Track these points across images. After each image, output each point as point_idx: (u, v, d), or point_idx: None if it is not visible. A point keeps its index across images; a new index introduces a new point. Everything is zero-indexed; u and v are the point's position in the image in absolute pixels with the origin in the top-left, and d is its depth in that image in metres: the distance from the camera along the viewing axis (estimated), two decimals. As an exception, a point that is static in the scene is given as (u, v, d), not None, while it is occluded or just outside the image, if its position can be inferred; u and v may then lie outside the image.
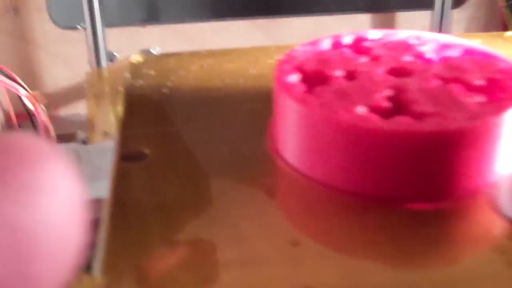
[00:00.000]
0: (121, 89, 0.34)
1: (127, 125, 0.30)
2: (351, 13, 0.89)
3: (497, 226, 0.25)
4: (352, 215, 0.25)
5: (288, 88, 0.27)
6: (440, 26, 0.84)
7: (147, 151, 0.28)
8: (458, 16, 0.90)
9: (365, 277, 0.22)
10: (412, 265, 0.23)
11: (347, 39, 0.32)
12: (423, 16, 0.87)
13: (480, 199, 0.25)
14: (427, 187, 0.25)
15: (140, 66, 0.36)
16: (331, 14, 0.88)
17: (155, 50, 0.60)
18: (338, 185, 0.26)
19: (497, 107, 0.25)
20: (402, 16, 0.91)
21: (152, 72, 0.36)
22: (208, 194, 0.26)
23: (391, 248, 0.24)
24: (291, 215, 0.26)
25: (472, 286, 0.22)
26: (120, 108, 0.32)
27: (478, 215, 0.25)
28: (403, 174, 0.25)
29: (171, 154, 0.29)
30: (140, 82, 0.35)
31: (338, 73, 0.28)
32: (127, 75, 0.35)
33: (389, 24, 0.91)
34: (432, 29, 0.84)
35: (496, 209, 0.25)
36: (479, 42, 0.32)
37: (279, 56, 0.30)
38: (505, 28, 0.86)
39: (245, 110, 0.32)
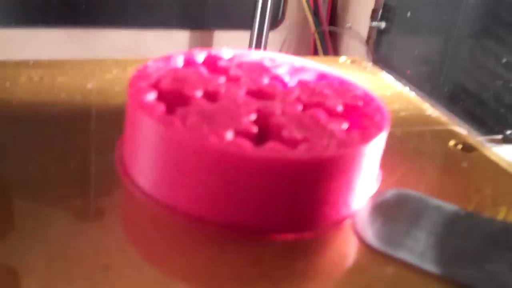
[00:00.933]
0: None
1: None
2: (169, 29, 0.88)
3: (361, 253, 0.24)
4: (216, 248, 0.23)
5: (146, 107, 0.24)
6: (257, 45, 0.86)
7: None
8: (273, 37, 0.93)
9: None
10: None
11: (200, 57, 0.30)
12: (241, 35, 0.89)
13: (345, 228, 0.25)
14: (295, 216, 0.24)
15: None
16: (149, 29, 0.86)
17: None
18: (201, 214, 0.23)
19: (365, 134, 0.25)
20: (221, 35, 0.92)
21: None
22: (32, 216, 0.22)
23: (258, 282, 0.22)
24: (143, 248, 0.23)
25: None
26: None
27: (344, 244, 0.25)
28: (273, 203, 0.23)
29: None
30: None
31: (199, 93, 0.26)
32: None
33: (208, 42, 0.91)
34: (250, 48, 0.86)
35: (358, 236, 0.24)
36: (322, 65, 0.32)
37: (117, 70, 0.27)
38: (315, 51, 0.91)
39: (87, 129, 0.28)
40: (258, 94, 0.27)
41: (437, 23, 0.82)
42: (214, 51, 0.30)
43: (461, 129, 0.36)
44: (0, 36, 0.79)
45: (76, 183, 0.25)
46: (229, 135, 0.23)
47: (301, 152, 0.23)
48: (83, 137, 0.28)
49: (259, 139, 0.24)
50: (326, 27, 0.89)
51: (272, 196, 0.23)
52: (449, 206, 0.26)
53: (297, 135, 0.24)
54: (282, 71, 0.30)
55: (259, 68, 0.30)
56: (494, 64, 0.76)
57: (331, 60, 0.43)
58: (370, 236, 0.24)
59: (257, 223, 0.23)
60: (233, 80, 0.28)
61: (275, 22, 0.92)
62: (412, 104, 0.38)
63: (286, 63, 0.31)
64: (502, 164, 0.33)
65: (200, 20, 0.91)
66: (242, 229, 0.23)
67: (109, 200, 0.25)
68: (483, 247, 0.24)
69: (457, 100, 0.75)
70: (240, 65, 0.29)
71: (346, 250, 0.25)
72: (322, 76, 0.30)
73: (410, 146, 0.33)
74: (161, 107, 0.24)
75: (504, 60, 0.73)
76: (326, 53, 0.88)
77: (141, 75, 0.26)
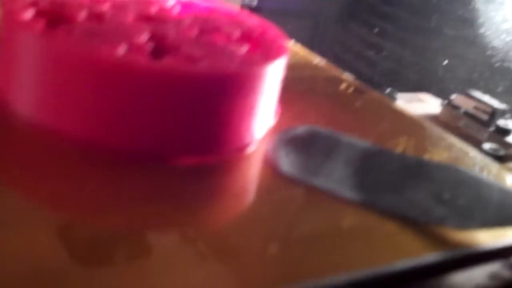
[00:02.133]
0: None
1: None
2: None
3: (269, 177, 0.23)
4: (110, 174, 0.21)
5: (25, 23, 0.21)
6: None
7: None
8: None
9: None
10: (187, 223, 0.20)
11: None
12: None
13: (250, 154, 0.24)
14: (196, 140, 0.22)
15: None
16: None
17: None
18: (92, 138, 0.21)
19: (266, 56, 0.24)
20: None
21: None
22: None
23: (162, 203, 0.20)
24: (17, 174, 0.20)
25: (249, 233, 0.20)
26: None
27: (250, 168, 0.24)
28: (171, 124, 0.22)
29: None
30: None
31: (82, 14, 0.24)
32: None
33: None
34: None
35: (270, 163, 0.23)
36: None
37: None
38: None
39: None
40: (148, 18, 0.25)
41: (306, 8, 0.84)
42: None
43: (348, 75, 0.36)
44: None
45: None
46: (122, 49, 0.21)
47: (202, 67, 0.21)
48: None
49: (156, 56, 0.22)
50: None
51: (170, 116, 0.21)
52: (361, 143, 0.26)
53: (197, 52, 0.22)
54: (170, 3, 0.28)
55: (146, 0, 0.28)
56: (360, 45, 0.79)
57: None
58: (284, 165, 0.23)
59: (156, 146, 0.22)
60: (119, 6, 0.26)
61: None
62: (299, 54, 0.38)
63: (174, -2, 0.29)
64: (393, 104, 0.34)
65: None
66: (139, 154, 0.21)
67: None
68: (400, 178, 0.24)
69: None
70: (125, -5, 0.27)
71: (253, 174, 0.24)
72: (213, 9, 0.29)
73: (304, 87, 0.32)
74: (42, 23, 0.22)
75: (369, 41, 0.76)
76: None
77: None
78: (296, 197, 0.22)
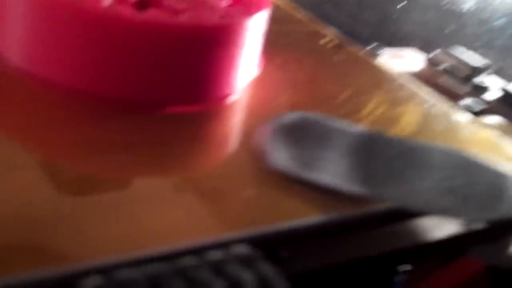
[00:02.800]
0: None
1: None
2: None
3: (251, 126, 0.24)
4: (97, 122, 0.22)
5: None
6: None
7: None
8: None
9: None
10: (175, 168, 0.21)
11: None
12: None
13: (231, 103, 0.25)
14: (179, 89, 0.23)
15: None
16: None
17: None
18: (78, 86, 0.22)
19: (247, 10, 0.24)
20: None
21: None
22: None
23: (148, 149, 0.21)
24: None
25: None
26: None
27: (232, 117, 0.25)
28: (155, 73, 0.23)
29: None
30: None
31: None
32: None
33: None
34: None
35: (260, 158, 0.23)
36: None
37: None
38: None
39: None
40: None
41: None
42: None
43: (330, 30, 0.37)
44: None
45: None
46: (107, 1, 0.22)
47: (184, 19, 0.22)
48: None
49: (139, 9, 0.23)
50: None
51: (154, 66, 0.22)
52: (354, 128, 0.24)
53: (179, 5, 0.23)
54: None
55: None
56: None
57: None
58: (276, 159, 0.22)
59: (142, 96, 0.23)
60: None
61: None
62: (283, 8, 0.39)
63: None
64: (371, 59, 0.35)
65: None
66: (125, 103, 0.22)
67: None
68: (400, 166, 0.23)
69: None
70: None
71: (235, 122, 0.25)
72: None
73: (286, 41, 0.33)
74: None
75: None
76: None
77: None
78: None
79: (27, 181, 0.18)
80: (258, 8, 0.25)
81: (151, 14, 0.22)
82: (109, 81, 0.22)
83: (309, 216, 0.20)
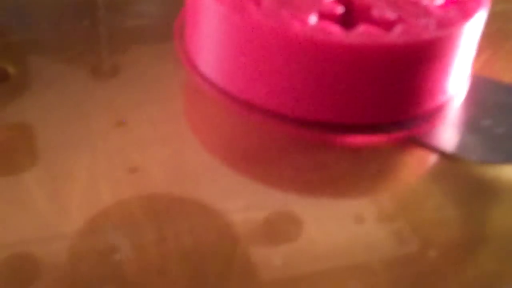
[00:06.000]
0: None
1: None
2: None
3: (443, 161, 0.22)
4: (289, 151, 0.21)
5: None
6: None
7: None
8: None
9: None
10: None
11: None
12: None
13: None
14: (385, 109, 0.22)
15: None
16: None
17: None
18: (280, 110, 0.22)
19: (464, 10, 0.22)
20: None
21: None
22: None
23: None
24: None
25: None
26: None
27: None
28: (362, 95, 0.21)
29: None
30: None
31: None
32: None
33: None
34: None
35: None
36: None
37: None
38: None
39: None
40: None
41: None
42: None
43: None
44: None
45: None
46: (313, 18, 0.21)
47: (397, 35, 0.20)
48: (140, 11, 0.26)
49: (345, 21, 0.22)
50: None
51: (363, 88, 0.21)
52: None
53: (390, 14, 0.21)
54: None
55: None
56: None
57: None
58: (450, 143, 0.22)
59: (340, 119, 0.22)
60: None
61: None
62: None
63: None
64: None
65: None
66: (319, 127, 0.22)
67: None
68: None
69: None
70: None
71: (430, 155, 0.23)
72: None
73: (494, 27, 0.30)
74: (231, -9, 0.22)
75: None
76: None
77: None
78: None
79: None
80: (477, 5, 0.22)
81: (362, 33, 0.20)
82: (310, 104, 0.21)
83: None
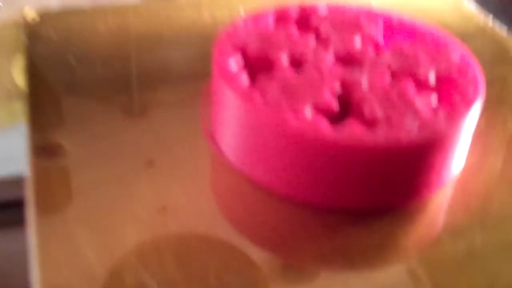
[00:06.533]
0: (20, 56, 0.31)
1: (36, 109, 0.28)
2: None
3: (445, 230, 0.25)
4: (295, 223, 0.24)
5: (229, 78, 0.25)
6: None
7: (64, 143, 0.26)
8: None
9: None
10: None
11: (293, 13, 0.30)
12: None
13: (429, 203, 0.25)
14: (373, 198, 0.25)
15: (38, 26, 0.34)
16: None
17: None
18: (273, 185, 0.25)
19: (452, 114, 0.24)
20: None
21: (52, 35, 0.33)
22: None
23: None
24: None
25: None
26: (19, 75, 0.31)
27: (426, 219, 0.25)
28: (350, 185, 0.24)
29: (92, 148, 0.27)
30: (41, 49, 0.32)
31: (284, 57, 0.27)
32: (23, 37, 0.33)
33: None
34: None
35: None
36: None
37: (191, 12, 0.29)
38: None
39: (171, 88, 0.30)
40: (346, 59, 0.27)
41: None
42: (308, 5, 0.30)
43: None
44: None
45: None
46: (308, 112, 0.24)
47: (378, 137, 0.23)
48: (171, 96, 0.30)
49: (341, 112, 0.25)
50: None
51: (349, 178, 0.24)
52: None
53: (379, 113, 0.24)
54: (376, 30, 0.29)
55: (353, 26, 0.29)
56: None
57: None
58: None
59: (333, 203, 0.25)
60: (323, 41, 0.28)
61: None
62: (495, 41, 0.37)
63: (381, 19, 0.30)
64: None
65: None
66: (316, 205, 0.25)
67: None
68: None
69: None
70: (333, 23, 0.29)
71: (427, 226, 0.25)
72: (418, 35, 0.30)
73: (492, 92, 0.32)
74: (244, 78, 0.25)
75: None
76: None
77: (228, 36, 0.27)
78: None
79: None
80: (467, 108, 0.25)
81: (348, 131, 0.23)
82: (302, 186, 0.25)
83: None
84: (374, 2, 0.38)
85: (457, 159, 0.26)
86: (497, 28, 0.38)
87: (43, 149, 0.26)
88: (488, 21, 0.39)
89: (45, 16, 0.35)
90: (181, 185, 0.25)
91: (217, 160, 0.27)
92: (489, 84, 0.32)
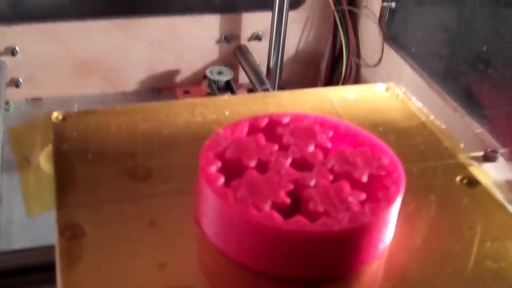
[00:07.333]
0: (50, 154, 0.40)
1: (63, 198, 0.37)
2: (201, 14, 1.03)
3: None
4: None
5: (210, 180, 0.34)
6: (279, 25, 0.99)
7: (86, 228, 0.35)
8: (296, 16, 1.06)
9: None
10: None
11: (262, 123, 0.39)
12: (264, 16, 1.03)
13: (362, 274, 0.34)
14: (318, 272, 0.33)
15: (62, 126, 0.44)
16: (183, 15, 1.02)
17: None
18: (246, 263, 0.33)
19: (376, 208, 0.33)
20: (247, 17, 1.05)
21: (74, 134, 0.43)
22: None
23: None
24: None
25: None
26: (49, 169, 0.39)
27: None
28: (299, 262, 0.33)
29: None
30: (65, 146, 0.42)
31: (252, 163, 0.35)
32: (52, 136, 0.42)
33: (236, 24, 1.05)
34: (272, 28, 0.99)
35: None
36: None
37: (186, 113, 0.41)
38: (335, 28, 1.01)
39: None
40: (300, 163, 0.36)
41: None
42: (275, 115, 0.39)
43: (471, 160, 0.43)
44: (55, 27, 0.97)
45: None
46: (267, 208, 0.33)
47: (318, 226, 0.32)
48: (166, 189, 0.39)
49: (293, 206, 0.33)
50: (345, 7, 0.98)
51: (297, 256, 0.32)
52: None
53: (320, 208, 0.33)
54: (326, 137, 0.38)
55: (308, 134, 0.38)
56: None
57: (369, 89, 0.51)
58: None
59: (286, 273, 0.33)
60: (284, 148, 0.37)
61: (297, 2, 1.06)
62: (433, 136, 0.46)
63: (332, 127, 0.39)
64: (499, 199, 0.40)
65: (228, 3, 1.05)
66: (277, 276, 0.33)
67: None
68: None
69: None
70: (292, 132, 0.38)
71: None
72: (360, 142, 0.38)
73: (422, 182, 0.41)
74: (220, 180, 0.34)
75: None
76: (345, 31, 0.99)
77: (212, 144, 0.36)
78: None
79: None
80: (388, 204, 0.33)
81: (295, 222, 0.32)
82: (264, 262, 0.33)
83: None
84: (337, 104, 0.47)
85: (383, 239, 0.34)
86: (437, 122, 0.47)
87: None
88: (429, 116, 0.48)
89: (67, 115, 0.44)
90: (180, 244, 0.35)
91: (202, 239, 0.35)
92: (421, 174, 0.41)
